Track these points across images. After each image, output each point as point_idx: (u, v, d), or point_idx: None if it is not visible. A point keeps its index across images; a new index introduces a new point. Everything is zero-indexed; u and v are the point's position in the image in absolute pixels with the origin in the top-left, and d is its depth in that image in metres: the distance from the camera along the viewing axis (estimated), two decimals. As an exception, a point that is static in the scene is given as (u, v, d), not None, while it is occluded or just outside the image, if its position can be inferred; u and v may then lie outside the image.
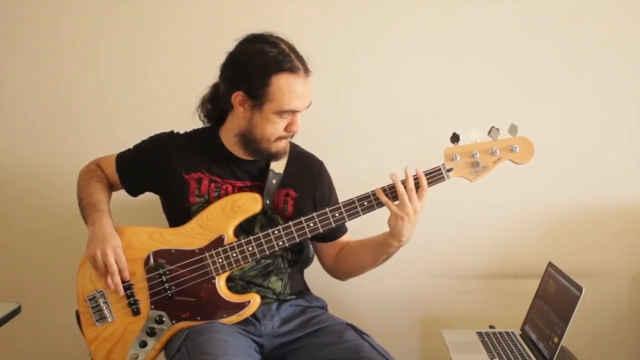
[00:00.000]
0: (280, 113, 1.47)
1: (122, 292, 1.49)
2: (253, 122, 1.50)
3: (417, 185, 1.46)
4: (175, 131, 1.66)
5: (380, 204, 1.48)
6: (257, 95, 1.45)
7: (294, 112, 1.48)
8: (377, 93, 2.09)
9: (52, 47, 2.09)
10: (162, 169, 1.60)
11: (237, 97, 1.48)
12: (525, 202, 2.10)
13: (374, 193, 1.49)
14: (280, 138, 1.52)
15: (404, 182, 1.45)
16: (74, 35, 2.09)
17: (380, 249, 1.55)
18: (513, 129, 1.48)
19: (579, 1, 2.03)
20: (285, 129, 1.50)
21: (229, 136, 1.58)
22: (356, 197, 1.50)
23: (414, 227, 1.47)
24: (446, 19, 2.05)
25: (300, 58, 1.48)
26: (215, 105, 1.61)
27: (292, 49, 1.48)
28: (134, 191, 1.68)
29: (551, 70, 2.06)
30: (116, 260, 1.48)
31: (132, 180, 1.66)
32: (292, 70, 1.44)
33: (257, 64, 1.45)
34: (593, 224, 2.10)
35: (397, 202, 1.45)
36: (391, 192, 1.47)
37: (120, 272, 1.48)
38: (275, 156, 1.56)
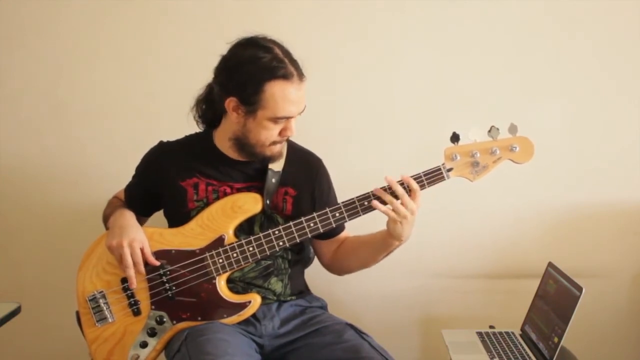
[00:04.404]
0: (274, 120, 1.46)
1: (134, 285, 1.50)
2: (247, 127, 1.49)
3: (409, 189, 1.46)
4: (165, 140, 1.65)
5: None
6: (251, 102, 1.44)
7: (288, 118, 1.47)
8: (377, 92, 2.09)
9: (51, 47, 2.09)
10: (159, 183, 1.60)
11: (231, 102, 1.47)
12: (526, 202, 2.10)
13: (373, 193, 1.49)
14: (274, 143, 1.51)
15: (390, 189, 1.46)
16: (73, 35, 2.09)
17: (381, 248, 1.55)
18: (513, 129, 1.48)
19: (579, 0, 2.02)
20: (280, 133, 1.50)
21: (223, 139, 1.57)
22: (356, 197, 1.49)
23: (412, 226, 1.48)
24: (446, 18, 2.06)
25: (294, 63, 1.46)
26: (210, 106, 1.60)
27: (286, 53, 1.46)
28: (145, 214, 1.70)
29: (551, 69, 2.06)
30: (131, 254, 1.48)
31: (140, 204, 1.66)
32: (286, 77, 1.42)
33: (250, 70, 1.43)
34: (593, 224, 2.10)
35: (391, 208, 1.45)
36: (391, 192, 1.47)
37: (135, 265, 1.48)
38: (270, 159, 1.55)
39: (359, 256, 1.62)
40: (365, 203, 1.49)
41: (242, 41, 1.48)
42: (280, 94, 1.43)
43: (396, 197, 1.46)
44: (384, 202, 1.46)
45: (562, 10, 2.04)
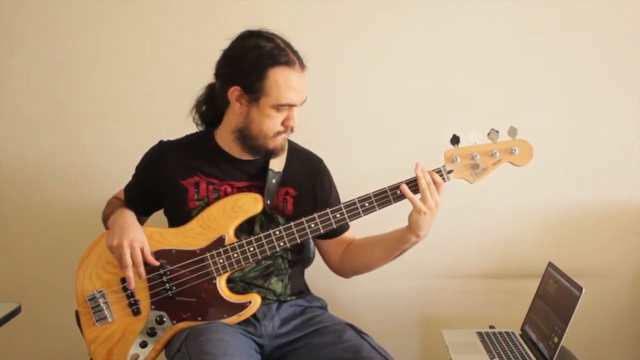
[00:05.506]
0: (277, 107, 1.47)
1: (133, 285, 1.49)
2: (250, 117, 1.49)
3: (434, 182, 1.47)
4: (165, 139, 1.65)
5: (382, 205, 1.49)
6: (254, 89, 1.46)
7: (290, 106, 1.48)
8: (377, 92, 2.09)
9: (51, 47, 2.09)
10: (159, 183, 1.60)
11: (234, 92, 1.48)
12: (526, 202, 2.10)
13: (374, 194, 1.49)
14: (277, 133, 1.51)
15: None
16: (73, 35, 2.09)
17: (396, 245, 1.54)
18: (512, 132, 1.49)
19: (580, 1, 2.03)
20: (282, 123, 1.50)
21: (225, 135, 1.57)
22: (357, 198, 1.49)
23: (433, 221, 1.48)
24: (446, 18, 2.06)
25: (295, 53, 1.49)
26: (210, 106, 1.61)
27: (288, 44, 1.49)
28: (145, 213, 1.70)
29: (551, 69, 2.06)
30: (131, 254, 1.47)
31: (140, 203, 1.66)
32: (288, 63, 1.45)
33: (253, 57, 1.45)
34: (593, 224, 2.10)
35: (419, 197, 1.46)
36: (411, 186, 1.47)
37: (135, 265, 1.48)
38: (273, 153, 1.56)
39: (373, 255, 1.61)
40: (366, 204, 1.49)
41: (245, 33, 1.51)
42: (283, 80, 1.44)
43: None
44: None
45: (562, 10, 2.04)
